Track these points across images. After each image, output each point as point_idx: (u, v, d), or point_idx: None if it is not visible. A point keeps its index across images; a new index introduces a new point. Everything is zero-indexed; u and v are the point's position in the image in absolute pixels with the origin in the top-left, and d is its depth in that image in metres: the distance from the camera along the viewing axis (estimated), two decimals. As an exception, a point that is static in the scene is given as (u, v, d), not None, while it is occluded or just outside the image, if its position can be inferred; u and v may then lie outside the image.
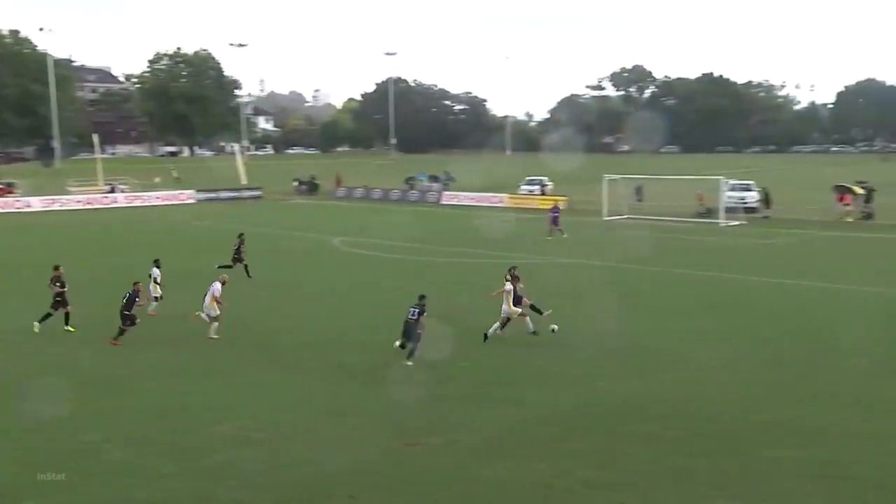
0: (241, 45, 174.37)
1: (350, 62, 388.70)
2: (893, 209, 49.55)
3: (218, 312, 21.06)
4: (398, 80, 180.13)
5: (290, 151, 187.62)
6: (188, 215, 56.61)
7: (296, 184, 78.03)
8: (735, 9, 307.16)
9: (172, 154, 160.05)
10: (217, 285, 21.22)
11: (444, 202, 66.95)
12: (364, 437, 14.45)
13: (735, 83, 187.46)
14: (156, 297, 23.66)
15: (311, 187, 77.46)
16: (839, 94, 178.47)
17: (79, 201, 65.10)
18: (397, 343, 19.25)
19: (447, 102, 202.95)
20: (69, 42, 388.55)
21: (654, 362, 19.09)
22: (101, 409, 15.95)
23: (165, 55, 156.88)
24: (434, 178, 77.37)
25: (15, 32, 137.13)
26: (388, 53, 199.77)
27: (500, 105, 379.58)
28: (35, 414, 15.43)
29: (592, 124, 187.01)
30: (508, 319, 20.75)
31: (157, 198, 68.25)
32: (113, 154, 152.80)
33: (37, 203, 63.11)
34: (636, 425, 14.89)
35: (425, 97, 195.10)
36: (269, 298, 26.73)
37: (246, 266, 30.05)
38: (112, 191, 70.07)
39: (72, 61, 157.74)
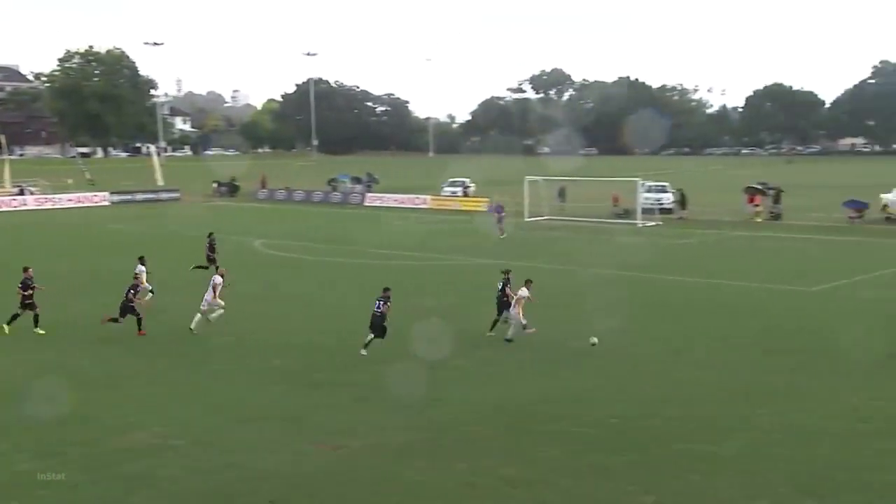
0: (156, 44, 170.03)
1: (270, 62, 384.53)
2: (800, 209, 51.68)
3: (221, 303, 21.69)
4: (319, 81, 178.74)
5: (209, 152, 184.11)
6: (102, 218, 55.01)
7: (215, 185, 76.60)
8: (649, 14, 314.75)
9: (85, 155, 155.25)
10: (217, 278, 21.99)
11: (368, 204, 66.75)
12: (286, 441, 14.31)
13: (650, 86, 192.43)
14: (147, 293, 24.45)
15: (231, 189, 76.15)
16: (748, 99, 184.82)
17: (-16, 204, 62.57)
18: (364, 351, 19.49)
19: (369, 104, 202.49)
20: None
21: (570, 362, 19.42)
22: (11, 417, 15.39)
23: (77, 53, 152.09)
24: (357, 180, 77.04)
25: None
26: (308, 54, 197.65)
27: (423, 107, 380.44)
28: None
29: (513, 126, 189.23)
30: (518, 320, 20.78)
31: (70, 200, 66.08)
32: (21, 155, 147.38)
33: (-61, 206, 60.42)
34: (554, 424, 15.12)
35: (347, 98, 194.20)
36: (191, 302, 26.20)
37: (218, 268, 29.72)
38: (21, 193, 67.49)
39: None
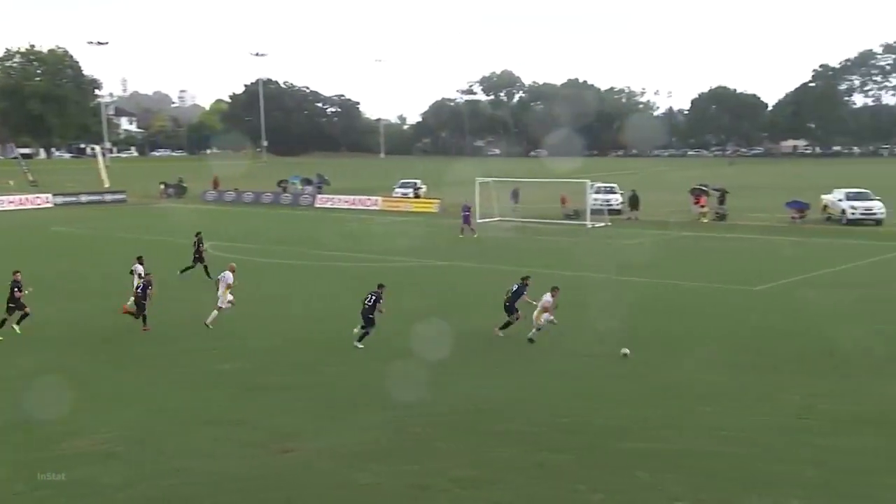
0: (100, 44, 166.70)
1: (218, 62, 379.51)
2: (744, 210, 52.78)
3: (231, 298, 22.49)
4: (268, 82, 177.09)
5: (156, 153, 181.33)
6: (46, 220, 53.80)
7: (162, 187, 75.46)
8: (597, 17, 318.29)
9: (27, 156, 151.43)
10: (228, 274, 22.77)
11: (319, 205, 66.41)
12: (234, 445, 14.18)
13: (599, 89, 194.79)
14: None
15: (179, 190, 75.12)
16: (693, 101, 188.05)
17: (-79, 206, 60.79)
18: (358, 344, 20.32)
19: (319, 105, 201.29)
20: None
21: (516, 363, 19.58)
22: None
23: (17, 52, 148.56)
24: (307, 181, 76.58)
25: None
26: (256, 54, 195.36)
27: (373, 108, 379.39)
28: None
29: (464, 128, 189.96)
30: (546, 324, 20.86)
31: (11, 202, 64.53)
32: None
33: None
34: (506, 424, 15.24)
35: (297, 99, 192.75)
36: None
37: (206, 266, 30.20)
38: (-41, 195, 65.79)
39: None
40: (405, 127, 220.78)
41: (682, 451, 13.93)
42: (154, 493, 12.28)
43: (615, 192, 56.65)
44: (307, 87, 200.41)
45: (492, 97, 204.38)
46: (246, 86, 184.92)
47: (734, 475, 12.89)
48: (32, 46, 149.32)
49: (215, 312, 22.59)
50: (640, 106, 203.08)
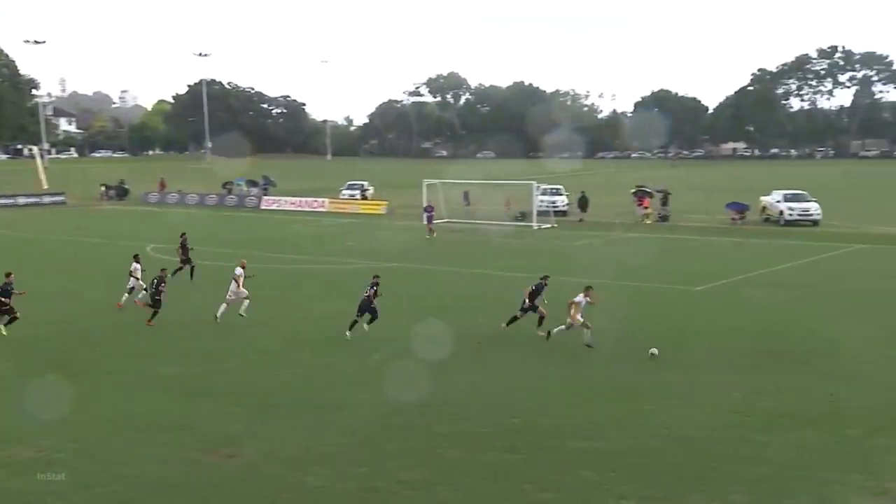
0: (37, 42, 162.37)
1: (160, 63, 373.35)
2: (686, 211, 53.77)
3: (246, 292, 23.32)
4: (212, 82, 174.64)
5: (96, 155, 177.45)
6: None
7: (103, 189, 73.89)
8: (542, 21, 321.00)
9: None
10: (239, 270, 23.61)
11: (265, 207, 65.78)
12: (179, 451, 13.96)
13: (544, 91, 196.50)
14: (130, 289, 25.31)
15: (121, 192, 73.69)
16: (637, 104, 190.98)
17: None
18: (349, 333, 21.19)
19: (265, 106, 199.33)
20: None
21: (470, 363, 19.66)
22: None
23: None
24: (253, 183, 75.86)
25: None
26: (200, 54, 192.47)
27: (319, 109, 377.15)
28: None
29: (411, 129, 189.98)
30: (572, 325, 20.61)
31: (-57, 204, 62.62)
32: None
33: None
34: (454, 425, 15.28)
35: (241, 100, 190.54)
36: (80, 310, 25.29)
37: (193, 268, 30.17)
38: None
39: None
40: (352, 128, 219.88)
41: (629, 450, 14.13)
42: (98, 501, 12.04)
43: (561, 194, 57.21)
44: (252, 88, 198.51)
45: (438, 99, 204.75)
46: (189, 86, 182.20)
47: (678, 473, 13.13)
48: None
49: (224, 306, 23.37)
50: (585, 109, 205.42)
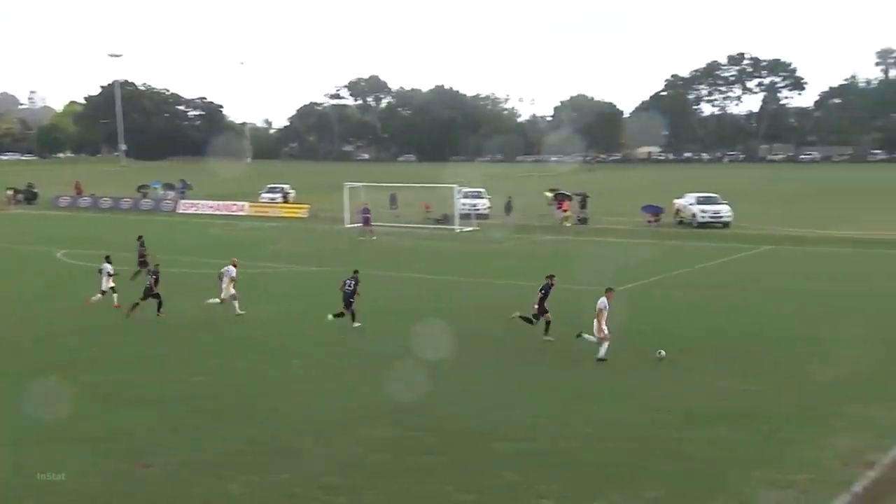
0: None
1: (71, 63, 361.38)
2: (604, 214, 54.89)
3: (233, 291, 24.31)
4: (126, 84, 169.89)
5: (3, 157, 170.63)
6: None
7: (10, 192, 71.22)
8: (461, 25, 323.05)
9: None
10: (231, 269, 24.60)
11: (182, 211, 64.43)
12: (95, 462, 13.57)
13: (465, 95, 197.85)
14: (102, 291, 25.48)
15: (29, 196, 71.21)
16: (556, 108, 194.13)
17: None
18: (330, 316, 22.84)
19: (181, 108, 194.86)
20: None
21: (391, 367, 19.65)
22: None
23: None
24: (169, 186, 74.28)
25: None
26: (112, 55, 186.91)
27: (238, 112, 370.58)
28: None
29: (332, 133, 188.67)
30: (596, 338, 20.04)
31: None
32: None
33: None
34: (375, 429, 15.26)
35: (156, 102, 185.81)
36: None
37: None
38: None
39: None
40: (272, 131, 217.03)
41: (550, 450, 14.35)
42: (6, 518, 11.63)
43: (482, 197, 57.71)
44: (167, 90, 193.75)
45: (359, 102, 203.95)
46: (102, 87, 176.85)
47: (598, 471, 13.40)
48: None
49: (216, 300, 24.35)
50: (505, 112, 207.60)
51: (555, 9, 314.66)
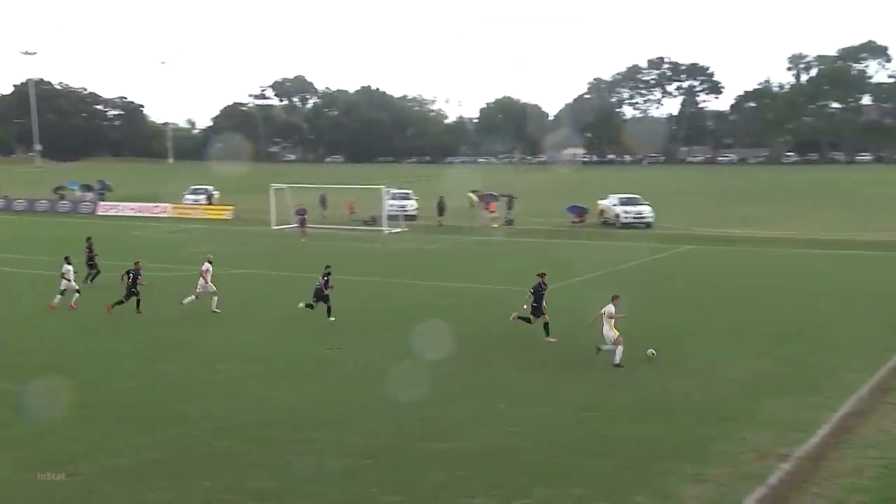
0: None
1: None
2: (530, 215, 55.53)
3: (213, 287, 24.69)
4: (41, 82, 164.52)
5: None
6: None
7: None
8: (387, 26, 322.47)
9: None
10: (207, 265, 24.97)
11: (101, 213, 62.79)
12: (13, 473, 13.13)
13: (392, 96, 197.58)
14: (62, 291, 25.43)
15: (-65, 198, 68.32)
16: (482, 110, 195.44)
17: None
18: (302, 304, 23.93)
19: (99, 107, 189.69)
20: None
21: (313, 371, 19.54)
22: None
23: None
24: (87, 188, 72.27)
25: None
26: (26, 53, 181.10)
27: (159, 112, 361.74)
28: None
29: (257, 133, 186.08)
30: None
31: None
32: None
33: None
34: (300, 434, 15.16)
35: (73, 101, 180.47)
36: None
37: (97, 273, 29.22)
38: None
39: None
40: (195, 131, 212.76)
41: (478, 450, 14.46)
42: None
43: (410, 199, 57.77)
44: (85, 89, 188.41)
45: (285, 102, 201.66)
46: (15, 86, 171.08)
47: (524, 469, 13.57)
48: None
49: (192, 297, 24.80)
50: (432, 114, 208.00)
51: (482, 10, 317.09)
